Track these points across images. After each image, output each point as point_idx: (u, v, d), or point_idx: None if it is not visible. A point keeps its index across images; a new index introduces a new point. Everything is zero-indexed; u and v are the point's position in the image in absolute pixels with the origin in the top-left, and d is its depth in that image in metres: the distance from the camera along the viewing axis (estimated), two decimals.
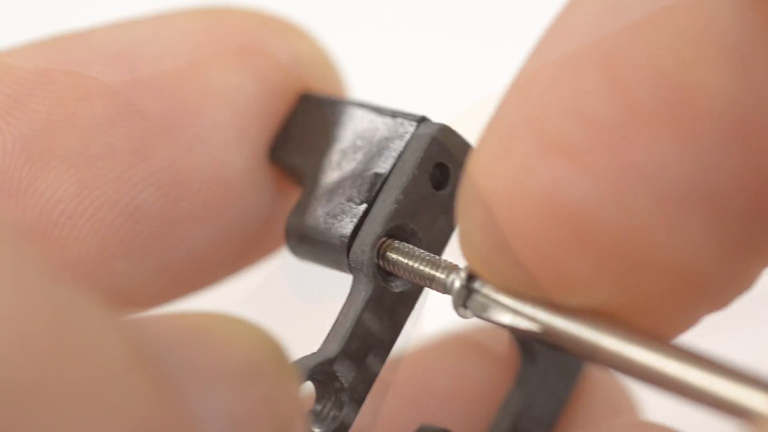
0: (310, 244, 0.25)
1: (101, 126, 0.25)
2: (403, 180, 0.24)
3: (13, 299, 0.16)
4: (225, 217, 0.26)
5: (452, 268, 0.23)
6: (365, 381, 0.24)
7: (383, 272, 0.24)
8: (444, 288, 0.23)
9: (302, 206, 0.25)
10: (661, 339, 0.20)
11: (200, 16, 0.27)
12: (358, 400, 0.24)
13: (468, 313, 0.22)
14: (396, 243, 0.24)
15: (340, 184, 0.25)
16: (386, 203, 0.24)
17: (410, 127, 0.24)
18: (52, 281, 0.16)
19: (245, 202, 0.26)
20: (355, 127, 0.25)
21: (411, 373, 0.27)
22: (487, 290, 0.22)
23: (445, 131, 0.24)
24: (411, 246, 0.24)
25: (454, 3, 0.54)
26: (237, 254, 0.27)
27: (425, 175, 0.24)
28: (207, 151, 0.25)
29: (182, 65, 0.26)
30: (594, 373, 0.28)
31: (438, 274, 0.23)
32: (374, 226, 0.24)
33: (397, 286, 0.24)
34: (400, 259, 0.23)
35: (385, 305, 0.24)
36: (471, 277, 0.22)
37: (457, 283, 0.22)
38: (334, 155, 0.25)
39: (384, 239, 0.24)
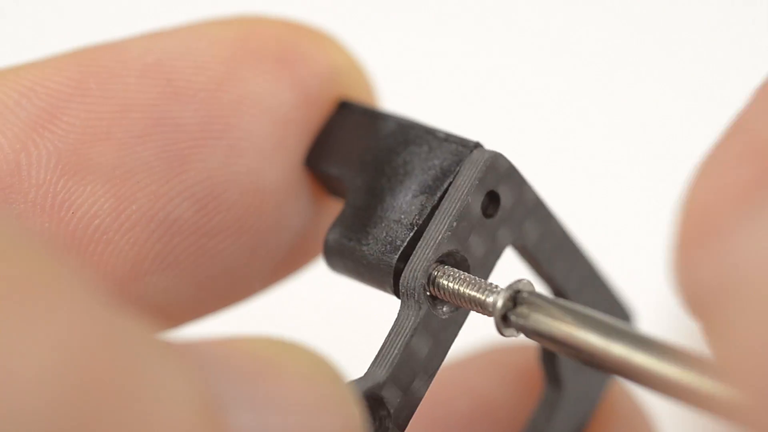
0: (352, 262, 0.25)
1: (137, 139, 0.25)
2: (456, 206, 0.24)
3: (70, 328, 0.15)
4: (261, 229, 0.26)
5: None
6: (409, 407, 0.23)
7: (431, 298, 0.24)
8: (490, 311, 0.23)
9: (344, 222, 0.25)
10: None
11: (235, 26, 0.26)
12: (401, 426, 0.23)
13: (512, 332, 0.23)
14: (446, 269, 0.24)
15: (388, 203, 0.25)
16: (439, 229, 0.24)
17: (464, 153, 0.24)
18: (108, 309, 0.16)
19: (281, 213, 0.26)
20: (404, 146, 0.25)
21: (433, 394, 0.27)
22: (531, 311, 0.22)
23: (499, 159, 0.24)
24: (461, 272, 0.23)
25: (484, 12, 0.54)
26: (273, 265, 0.26)
27: (478, 202, 0.24)
28: (244, 162, 0.25)
29: (218, 76, 0.25)
30: (614, 398, 0.28)
31: (489, 299, 0.23)
32: (427, 252, 0.24)
33: (444, 313, 0.24)
34: (451, 285, 0.23)
35: (431, 331, 0.24)
36: (515, 298, 0.23)
37: (500, 304, 0.23)
38: (382, 172, 0.25)
39: (435, 265, 0.24)
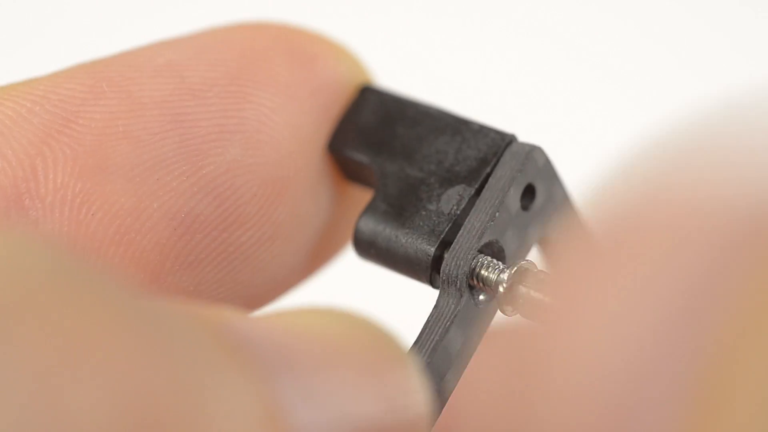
0: (385, 250, 0.25)
1: (154, 136, 0.25)
2: (497, 197, 0.24)
3: (110, 328, 0.15)
4: (283, 220, 0.25)
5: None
6: (442, 396, 0.23)
7: (470, 287, 0.24)
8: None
9: (376, 209, 0.25)
10: None
11: (243, 28, 0.26)
12: (433, 416, 0.23)
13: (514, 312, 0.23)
14: (486, 258, 0.24)
15: (423, 192, 0.25)
16: (480, 219, 0.24)
17: (501, 145, 0.25)
18: (145, 303, 0.15)
19: (302, 203, 0.26)
20: (435, 135, 0.25)
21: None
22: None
23: (538, 152, 0.24)
24: (501, 263, 0.24)
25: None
26: (299, 257, 0.26)
27: (517, 194, 0.24)
28: (261, 153, 0.25)
29: (230, 70, 0.25)
30: None
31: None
32: (470, 241, 0.24)
33: (481, 302, 0.24)
34: (493, 275, 0.24)
35: (468, 320, 0.24)
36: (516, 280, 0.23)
37: (501, 288, 0.23)
38: (413, 160, 0.25)
39: (475, 255, 0.24)
